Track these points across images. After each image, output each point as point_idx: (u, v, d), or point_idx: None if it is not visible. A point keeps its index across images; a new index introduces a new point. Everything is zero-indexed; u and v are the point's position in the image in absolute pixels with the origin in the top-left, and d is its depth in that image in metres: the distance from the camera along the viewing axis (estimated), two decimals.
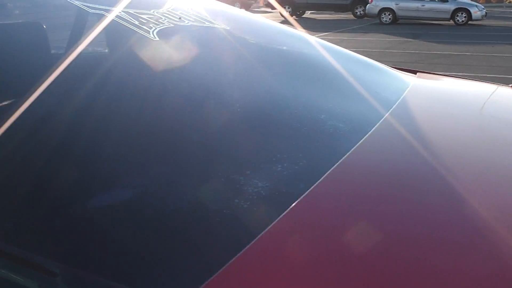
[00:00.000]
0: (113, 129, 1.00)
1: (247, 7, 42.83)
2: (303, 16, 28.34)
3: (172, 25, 1.40)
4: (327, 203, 0.94)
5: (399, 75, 1.83)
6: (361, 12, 25.40)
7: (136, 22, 1.32)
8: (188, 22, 1.48)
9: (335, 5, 26.50)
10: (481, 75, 8.55)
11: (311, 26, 20.95)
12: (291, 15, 27.02)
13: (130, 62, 1.25)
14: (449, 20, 20.65)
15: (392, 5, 21.37)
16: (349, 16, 26.89)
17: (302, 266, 0.75)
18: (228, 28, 1.61)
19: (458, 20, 20.31)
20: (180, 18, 1.47)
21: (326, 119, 1.23)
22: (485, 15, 20.65)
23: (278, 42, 1.77)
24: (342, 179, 1.01)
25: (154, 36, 1.29)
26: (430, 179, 1.04)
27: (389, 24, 21.20)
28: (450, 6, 20.43)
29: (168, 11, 1.50)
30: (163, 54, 1.34)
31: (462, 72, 8.79)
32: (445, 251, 0.80)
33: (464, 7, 20.44)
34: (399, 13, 21.37)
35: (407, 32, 17.00)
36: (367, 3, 23.20)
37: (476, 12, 20.12)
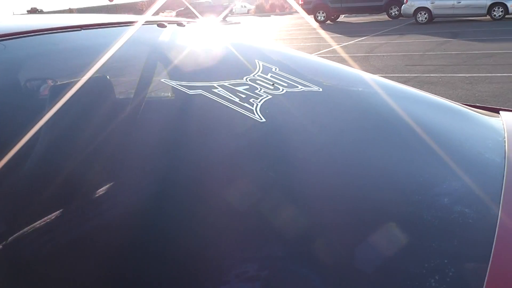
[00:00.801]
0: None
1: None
2: (338, 20, 28.41)
3: (270, 96, 1.40)
4: None
5: (487, 121, 1.74)
6: (396, 12, 25.34)
7: (237, 99, 1.33)
8: (283, 90, 1.47)
9: (369, 7, 26.46)
10: None
11: (347, 30, 21.03)
12: (325, 20, 27.14)
13: (245, 151, 1.25)
14: (485, 16, 20.42)
15: (428, 4, 21.27)
16: (383, 17, 26.81)
17: None
18: (321, 89, 1.59)
19: (495, 15, 20.09)
20: (273, 84, 1.49)
21: (451, 204, 1.13)
22: None
23: (376, 97, 1.71)
24: None
25: (259, 116, 1.29)
26: None
27: (425, 23, 21.12)
28: (486, 1, 20.21)
29: (259, 76, 1.52)
30: (276, 138, 1.33)
31: (507, 73, 8.82)
32: None
33: (500, 1, 20.18)
34: (435, 11, 21.27)
35: (445, 31, 16.97)
36: (402, 3, 23.13)
37: None
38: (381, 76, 9.12)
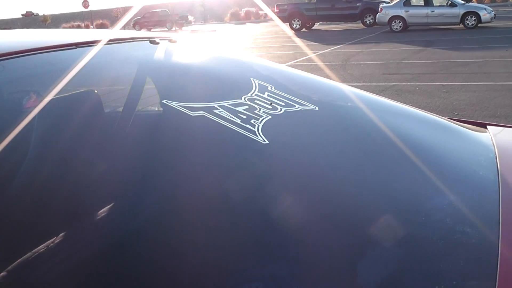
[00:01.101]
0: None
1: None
2: (313, 28, 28.60)
3: (270, 117, 1.39)
4: None
5: (476, 136, 1.76)
6: (371, 20, 25.62)
7: (238, 121, 1.32)
8: (281, 110, 1.47)
9: (344, 15, 26.71)
10: (503, 83, 8.66)
11: (323, 38, 21.16)
12: (301, 28, 27.29)
13: (250, 173, 1.24)
14: (459, 24, 20.79)
15: (402, 13, 21.56)
16: (358, 25, 27.08)
17: None
18: (317, 108, 1.59)
19: (468, 24, 20.45)
20: (271, 104, 1.48)
21: (453, 224, 1.13)
22: (494, 17, 20.77)
23: (370, 115, 1.71)
24: None
25: (262, 138, 1.27)
26: None
27: (399, 32, 21.38)
28: (459, 10, 20.60)
29: (256, 95, 1.52)
30: (280, 160, 1.32)
31: (483, 82, 8.91)
32: None
33: (473, 10, 20.60)
34: (409, 20, 21.56)
35: (420, 40, 17.17)
36: (376, 11, 23.41)
37: (485, 15, 20.25)
38: (359, 85, 9.25)
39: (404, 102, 2.00)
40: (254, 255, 1.00)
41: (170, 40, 1.85)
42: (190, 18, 55.01)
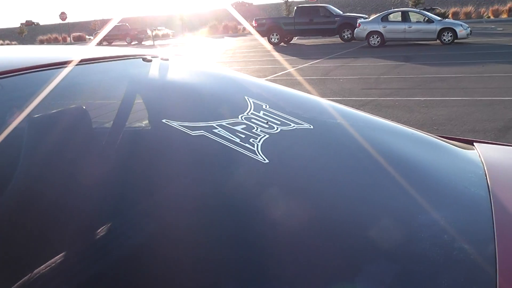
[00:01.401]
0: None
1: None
2: (291, 42, 28.77)
3: (268, 136, 1.40)
4: None
5: (465, 154, 1.79)
6: (348, 35, 25.84)
7: (237, 140, 1.33)
8: (277, 128, 1.48)
9: (322, 29, 26.94)
10: (480, 98, 8.75)
11: (301, 53, 21.27)
12: (279, 42, 27.43)
13: (252, 193, 1.24)
14: (435, 40, 21.09)
15: (380, 28, 21.82)
16: (336, 40, 27.31)
17: None
18: (312, 126, 1.61)
19: (444, 40, 20.76)
20: (267, 122, 1.49)
21: (450, 241, 1.15)
22: (470, 33, 21.14)
23: (363, 133, 1.73)
24: None
25: (262, 157, 1.28)
26: None
27: (377, 47, 21.60)
28: (436, 26, 20.93)
29: (252, 114, 1.53)
30: (281, 179, 1.32)
31: (461, 97, 9.03)
32: None
33: (449, 26, 20.95)
34: (387, 35, 21.82)
35: (398, 55, 17.34)
36: (354, 26, 23.65)
37: (461, 31, 20.62)
38: (339, 99, 9.30)
39: (384, 117, 2.01)
40: (255, 274, 0.99)
41: (161, 58, 1.84)
42: (169, 31, 55.21)
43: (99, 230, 1.03)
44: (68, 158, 1.24)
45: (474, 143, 1.87)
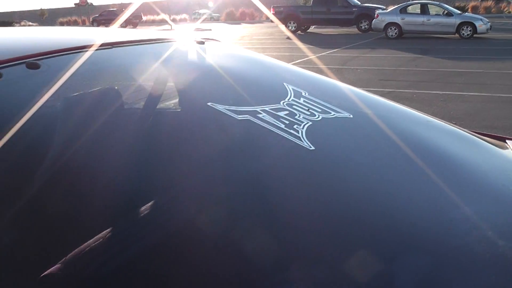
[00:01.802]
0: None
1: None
2: (308, 31, 28.63)
3: (310, 123, 1.39)
4: None
5: (500, 151, 1.76)
6: (366, 26, 25.66)
7: (282, 126, 1.31)
8: (319, 116, 1.46)
9: (339, 19, 26.75)
10: (499, 95, 8.71)
11: (319, 42, 21.19)
12: (296, 30, 27.32)
13: (299, 181, 1.23)
14: (454, 34, 20.91)
15: (398, 20, 21.65)
16: (353, 30, 27.13)
17: None
18: (351, 115, 1.58)
19: (463, 34, 20.54)
20: (308, 110, 1.47)
21: (492, 239, 1.13)
22: (490, 29, 20.91)
23: (400, 124, 1.71)
24: None
25: (308, 144, 1.27)
26: None
27: (395, 38, 21.45)
28: (455, 20, 20.71)
29: (293, 100, 1.52)
30: (327, 167, 1.31)
31: (480, 92, 8.97)
32: None
33: (469, 20, 20.71)
34: (405, 27, 21.65)
35: (415, 48, 17.23)
36: (372, 17, 23.48)
37: (481, 26, 20.38)
38: None
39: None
40: (309, 261, 0.99)
41: (199, 42, 1.85)
42: (186, 16, 55.51)
43: (139, 210, 1.04)
44: (112, 138, 1.25)
45: (507, 140, 1.85)
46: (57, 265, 0.88)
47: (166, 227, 1.03)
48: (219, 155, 1.26)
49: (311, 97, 1.60)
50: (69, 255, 0.91)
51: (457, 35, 20.85)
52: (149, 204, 1.06)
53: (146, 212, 1.04)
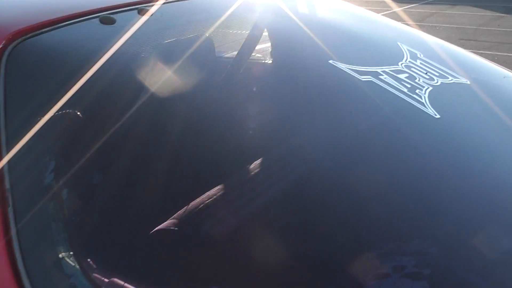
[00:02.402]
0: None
1: None
2: None
3: (431, 88, 1.31)
4: None
5: None
6: None
7: (405, 89, 1.25)
8: (437, 81, 1.36)
9: None
10: None
11: None
12: None
13: (424, 151, 1.17)
14: None
15: None
16: None
17: None
18: (468, 82, 1.48)
19: None
20: (427, 73, 1.38)
21: None
22: None
23: None
24: None
25: (433, 112, 1.20)
26: None
27: None
28: None
29: (410, 62, 1.42)
30: (455, 138, 1.24)
31: None
32: None
33: None
34: None
35: (498, 5, 16.40)
36: None
37: None
38: None
39: None
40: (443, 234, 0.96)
41: None
42: None
43: (250, 166, 1.05)
44: (242, 91, 1.25)
45: None
46: (171, 220, 0.91)
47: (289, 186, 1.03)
48: (343, 117, 1.21)
49: (427, 59, 1.51)
50: (181, 211, 0.93)
51: None
52: (258, 161, 1.06)
53: (259, 168, 1.05)
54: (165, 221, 0.91)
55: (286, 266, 0.88)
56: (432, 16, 14.05)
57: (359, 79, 1.23)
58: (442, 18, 13.67)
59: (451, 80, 1.43)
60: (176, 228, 0.90)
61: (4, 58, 0.99)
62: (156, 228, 0.89)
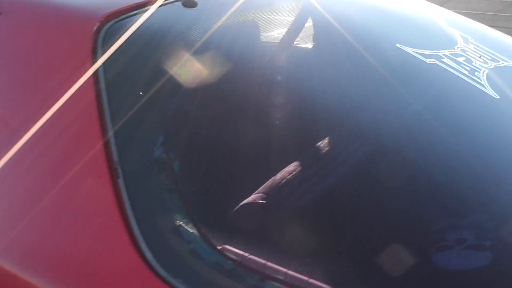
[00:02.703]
0: None
1: None
2: None
3: (487, 71, 1.34)
4: None
5: None
6: None
7: (466, 72, 1.28)
8: (491, 64, 1.39)
9: None
10: None
11: None
12: None
13: (486, 130, 1.20)
14: None
15: None
16: None
17: None
18: None
19: None
20: (480, 56, 1.42)
21: None
22: None
23: None
24: None
25: (494, 93, 1.23)
26: None
27: None
28: None
29: (465, 46, 1.46)
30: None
31: None
32: None
33: None
34: None
35: None
36: None
37: None
38: None
39: None
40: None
41: None
42: None
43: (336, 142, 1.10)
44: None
45: None
46: (258, 194, 0.95)
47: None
48: (413, 99, 1.24)
49: (478, 43, 1.55)
50: (264, 185, 0.97)
51: None
52: (331, 140, 1.10)
53: (331, 147, 1.09)
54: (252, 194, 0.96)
55: (366, 237, 0.94)
56: (450, 2, 13.91)
57: (425, 61, 1.28)
58: (459, 4, 13.53)
59: (503, 63, 1.47)
60: (263, 201, 0.94)
61: (100, 38, 1.05)
62: (242, 203, 0.94)
